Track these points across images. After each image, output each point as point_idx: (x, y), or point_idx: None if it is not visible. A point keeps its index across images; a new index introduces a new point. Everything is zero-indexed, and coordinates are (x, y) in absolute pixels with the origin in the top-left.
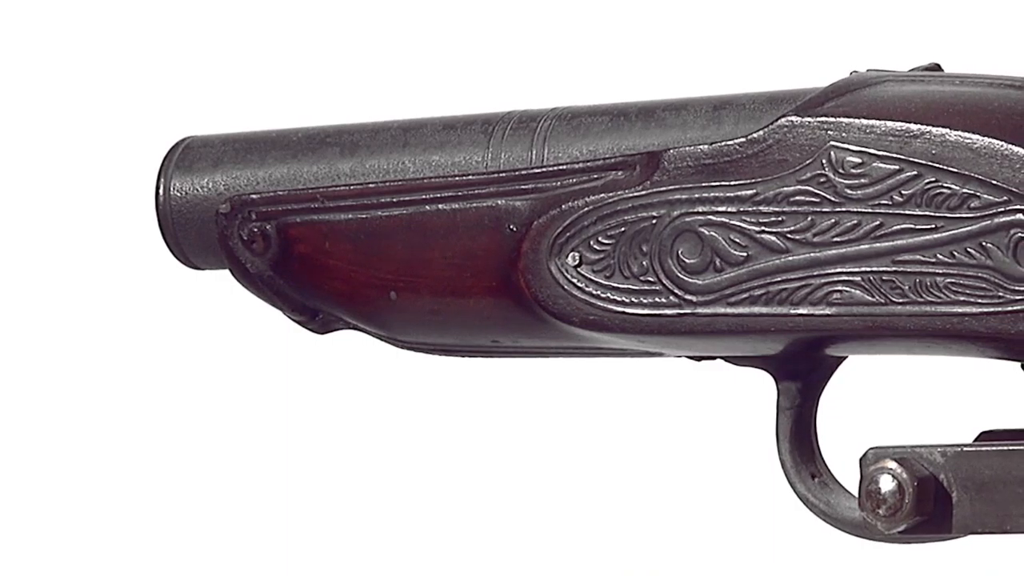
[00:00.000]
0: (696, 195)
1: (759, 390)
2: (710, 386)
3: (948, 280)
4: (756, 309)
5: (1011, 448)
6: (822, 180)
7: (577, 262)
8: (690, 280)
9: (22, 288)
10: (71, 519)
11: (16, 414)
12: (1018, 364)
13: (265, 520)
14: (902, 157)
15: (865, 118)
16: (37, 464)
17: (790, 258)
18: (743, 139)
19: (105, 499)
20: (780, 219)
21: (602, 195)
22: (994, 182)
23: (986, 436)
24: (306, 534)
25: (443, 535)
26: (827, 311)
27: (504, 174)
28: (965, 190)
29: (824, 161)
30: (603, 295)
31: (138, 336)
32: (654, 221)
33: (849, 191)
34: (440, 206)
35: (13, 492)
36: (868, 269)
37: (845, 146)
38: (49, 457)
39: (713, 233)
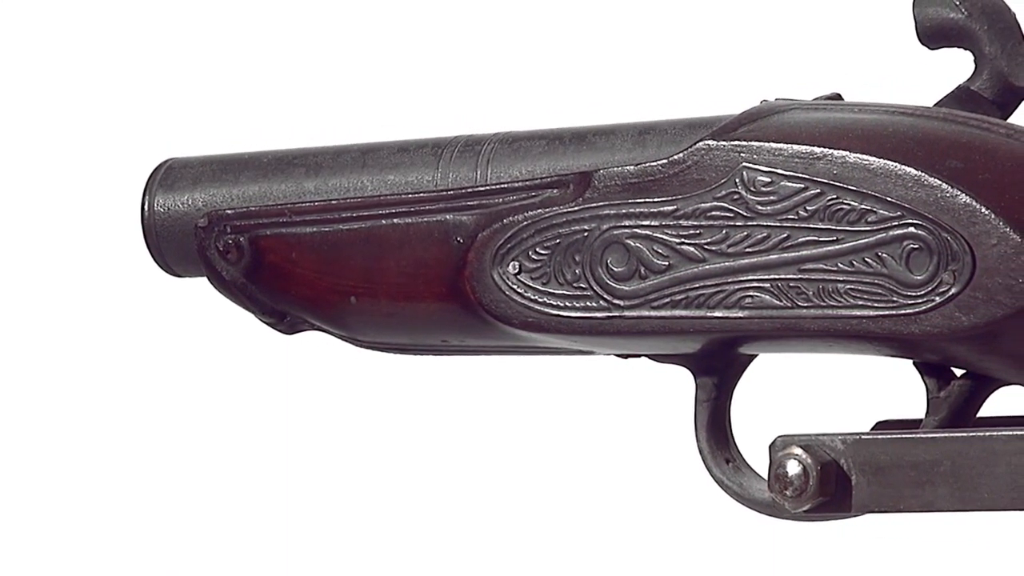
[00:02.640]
0: (623, 210)
1: (679, 385)
2: (635, 381)
3: (848, 286)
4: (677, 312)
5: (904, 436)
6: (735, 197)
7: (517, 270)
8: (618, 286)
9: (19, 294)
10: (54, 517)
11: (10, 418)
12: (910, 361)
13: (238, 510)
14: (807, 177)
15: (774, 142)
16: (28, 465)
17: (707, 267)
18: (665, 160)
19: (93, 495)
20: (698, 232)
21: (539, 211)
22: (889, 199)
23: (882, 425)
24: (273, 523)
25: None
26: (740, 314)
27: (452, 192)
28: (863, 206)
29: (737, 180)
30: (540, 300)
31: (122, 337)
32: (586, 234)
33: (760, 207)
34: (395, 220)
35: (10, 492)
36: (777, 277)
37: (756, 167)
38: (37, 457)
39: (638, 244)
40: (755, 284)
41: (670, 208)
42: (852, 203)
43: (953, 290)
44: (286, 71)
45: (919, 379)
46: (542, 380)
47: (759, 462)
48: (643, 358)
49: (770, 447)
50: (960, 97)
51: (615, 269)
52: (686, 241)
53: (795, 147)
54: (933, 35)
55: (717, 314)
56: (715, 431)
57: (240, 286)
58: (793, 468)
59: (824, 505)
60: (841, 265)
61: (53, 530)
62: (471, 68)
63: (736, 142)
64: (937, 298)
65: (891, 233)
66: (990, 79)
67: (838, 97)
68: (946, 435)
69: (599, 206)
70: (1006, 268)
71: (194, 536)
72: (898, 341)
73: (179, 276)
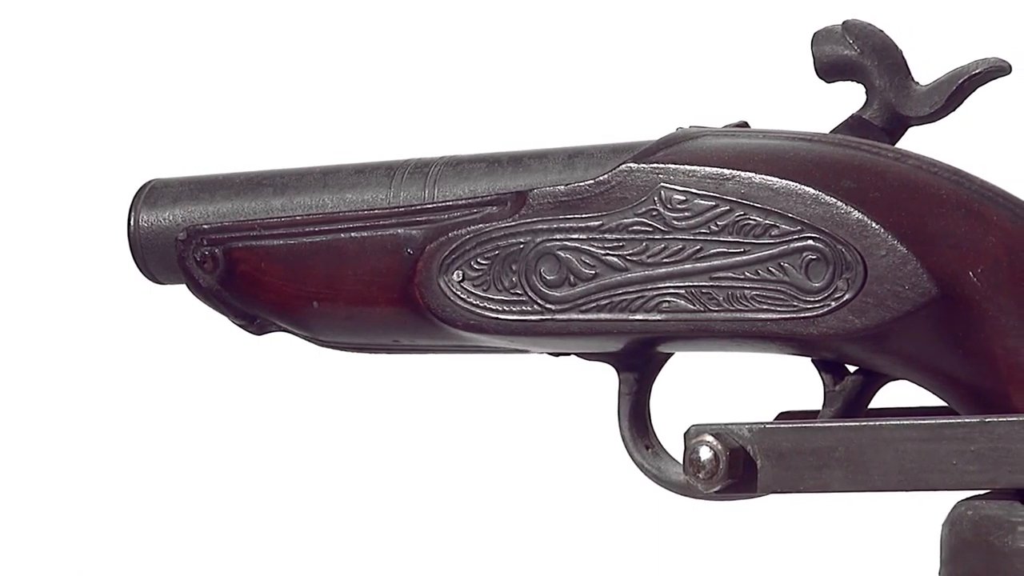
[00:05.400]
0: (555, 225)
1: (604, 379)
2: (565, 377)
3: (754, 293)
4: (602, 315)
5: (803, 425)
6: (654, 213)
7: (461, 278)
8: (550, 293)
9: (19, 298)
10: (47, 513)
11: (9, 417)
12: (809, 359)
13: (210, 495)
14: (717, 195)
15: (688, 164)
16: (22, 465)
17: (629, 275)
18: (592, 181)
19: (84, 488)
20: (621, 244)
21: (480, 225)
22: (790, 215)
23: (784, 416)
24: (236, 507)
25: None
26: (658, 317)
27: (403, 209)
28: (767, 221)
29: (656, 198)
30: (481, 305)
31: (109, 337)
32: (521, 246)
33: (676, 222)
34: (353, 234)
35: (9, 493)
36: (691, 284)
37: (672, 187)
38: (31, 454)
39: (568, 255)
40: (671, 290)
41: (596, 223)
42: (758, 219)
43: (847, 296)
44: (255, 102)
45: (817, 375)
46: (483, 376)
47: (675, 448)
48: (572, 356)
49: (685, 435)
50: (853, 125)
51: (547, 277)
52: (610, 252)
53: (707, 169)
54: (829, 70)
55: (638, 317)
56: (636, 421)
57: (215, 292)
58: (705, 453)
59: (732, 486)
60: (748, 274)
61: (43, 529)
62: (421, 99)
63: (655, 164)
64: (833, 303)
65: (792, 245)
66: (880, 109)
67: (745, 125)
68: (840, 424)
69: (533, 221)
70: (894, 276)
71: (183, 532)
72: (798, 341)
73: (161, 283)
